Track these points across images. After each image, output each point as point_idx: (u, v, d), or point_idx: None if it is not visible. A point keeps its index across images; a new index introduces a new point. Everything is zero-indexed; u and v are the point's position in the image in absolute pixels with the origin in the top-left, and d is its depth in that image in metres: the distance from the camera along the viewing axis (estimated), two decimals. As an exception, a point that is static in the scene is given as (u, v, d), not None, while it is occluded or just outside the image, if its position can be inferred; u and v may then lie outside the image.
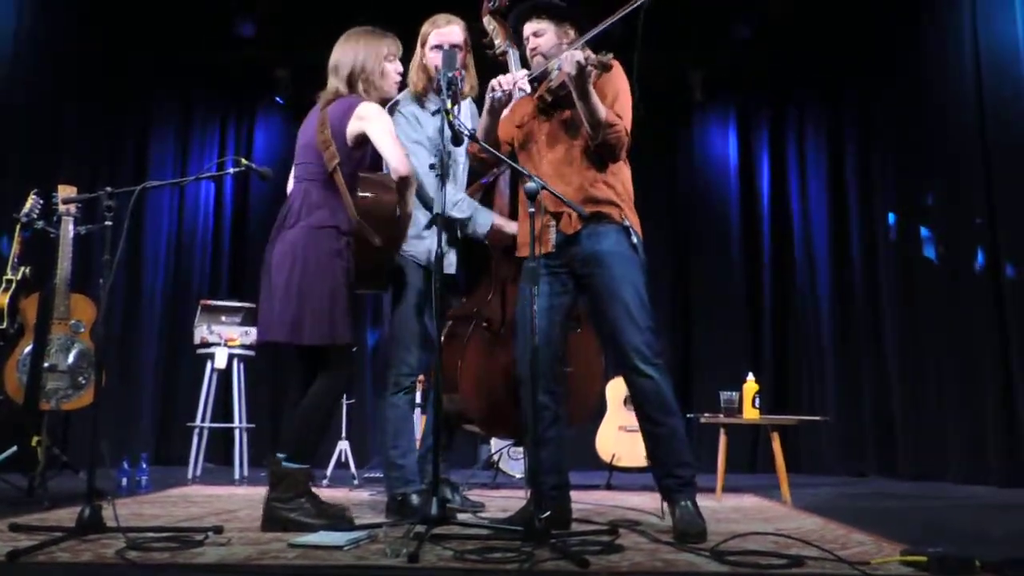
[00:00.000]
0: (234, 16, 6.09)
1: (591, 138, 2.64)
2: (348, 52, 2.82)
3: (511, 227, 3.18)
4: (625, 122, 2.67)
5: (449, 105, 2.52)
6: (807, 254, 6.38)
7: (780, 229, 6.58)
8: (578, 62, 2.44)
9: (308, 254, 2.64)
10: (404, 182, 2.69)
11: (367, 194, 2.69)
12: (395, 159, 2.67)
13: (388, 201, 2.71)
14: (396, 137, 2.77)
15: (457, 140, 2.53)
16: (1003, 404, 4.44)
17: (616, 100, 2.68)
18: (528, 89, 2.89)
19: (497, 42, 3.40)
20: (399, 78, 2.91)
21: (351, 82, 2.79)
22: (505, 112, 2.93)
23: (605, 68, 2.46)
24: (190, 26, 6.08)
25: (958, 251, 4.92)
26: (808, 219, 6.42)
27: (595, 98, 2.55)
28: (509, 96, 2.81)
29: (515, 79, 2.79)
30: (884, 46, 5.74)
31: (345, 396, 4.40)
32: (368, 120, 2.70)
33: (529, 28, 2.81)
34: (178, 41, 6.18)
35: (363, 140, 2.73)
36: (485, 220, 3.21)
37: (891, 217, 5.66)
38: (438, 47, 3.10)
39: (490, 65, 3.32)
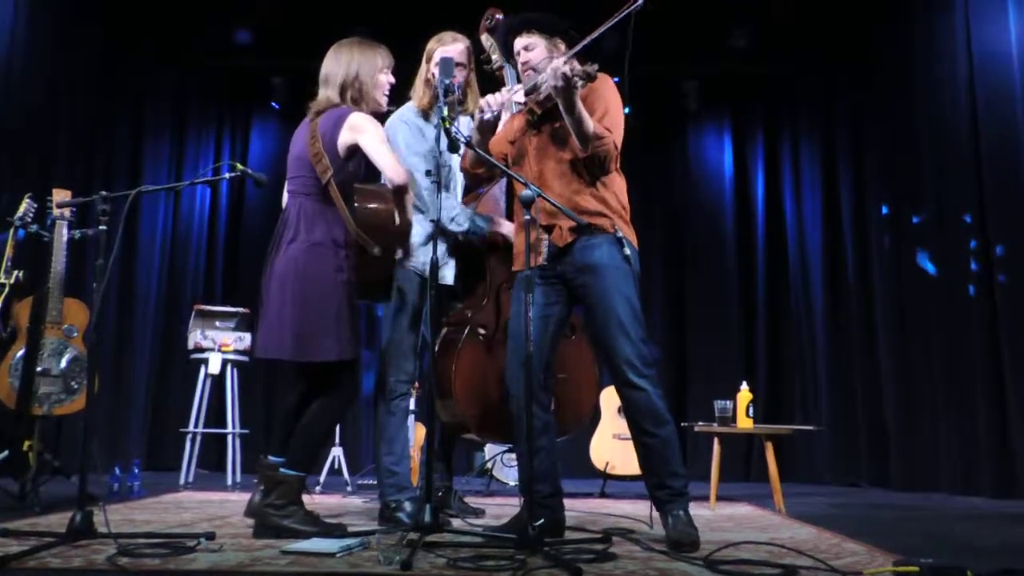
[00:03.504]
0: (231, 22, 6.10)
1: (580, 150, 2.65)
2: (341, 62, 2.78)
3: (506, 226, 3.26)
4: (615, 135, 2.68)
5: (446, 112, 2.53)
6: (801, 263, 6.40)
7: (774, 238, 6.60)
8: (564, 74, 2.44)
9: (309, 271, 2.62)
10: (400, 191, 2.68)
11: (364, 205, 2.68)
12: (390, 168, 2.65)
13: (385, 211, 2.71)
14: (389, 145, 2.76)
15: (454, 147, 2.54)
16: (996, 415, 4.45)
17: (606, 113, 2.69)
18: (522, 102, 2.91)
19: (494, 58, 3.46)
20: (387, 89, 2.90)
21: (343, 92, 2.77)
22: (499, 129, 2.95)
23: (590, 78, 2.47)
24: (187, 31, 6.09)
25: (951, 262, 4.93)
26: (802, 228, 6.44)
27: (583, 111, 2.56)
28: (497, 116, 2.83)
29: (504, 98, 2.81)
30: (878, 56, 5.77)
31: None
32: (360, 131, 2.67)
33: (519, 43, 2.83)
34: (175, 45, 6.19)
35: (355, 150, 2.70)
36: (483, 227, 3.25)
37: (885, 227, 5.67)
38: None
39: (489, 80, 3.36)
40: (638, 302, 2.66)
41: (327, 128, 2.70)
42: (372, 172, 2.82)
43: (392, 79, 2.89)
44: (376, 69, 2.81)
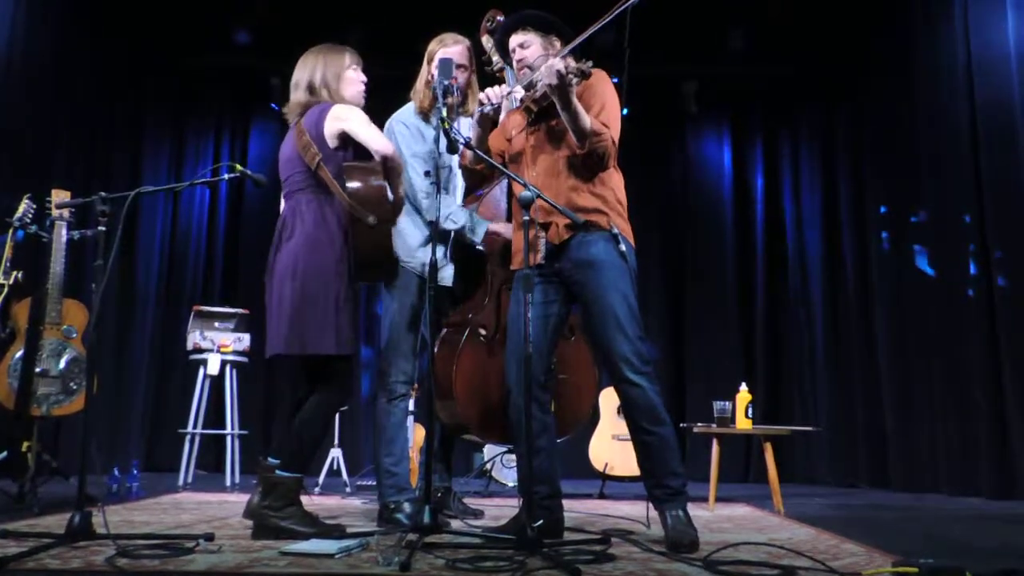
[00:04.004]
0: (231, 22, 6.11)
1: (577, 147, 2.65)
2: (307, 67, 2.86)
3: (506, 229, 3.24)
4: (612, 131, 2.68)
5: (445, 113, 2.53)
6: (800, 264, 6.40)
7: (774, 239, 6.60)
8: (558, 71, 2.45)
9: (309, 267, 2.66)
10: (388, 161, 2.71)
11: (355, 183, 2.69)
12: (375, 142, 2.71)
13: (376, 185, 2.72)
14: (372, 124, 2.79)
15: (453, 148, 2.55)
16: (994, 415, 4.45)
17: (603, 109, 2.69)
18: (519, 100, 2.91)
19: (495, 59, 3.46)
20: (362, 87, 2.92)
21: (312, 92, 2.83)
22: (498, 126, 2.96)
23: (584, 75, 2.48)
24: (186, 32, 6.09)
25: (950, 263, 4.93)
26: (801, 229, 6.45)
27: (579, 107, 2.56)
28: (497, 109, 2.83)
29: (503, 92, 2.81)
30: (878, 57, 5.77)
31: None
32: (344, 119, 2.74)
33: (515, 40, 2.83)
34: (174, 47, 6.19)
35: (344, 139, 2.76)
36: (480, 229, 3.24)
37: (884, 228, 5.67)
38: None
39: (490, 82, 3.36)
40: (635, 299, 2.66)
41: (312, 123, 2.77)
42: (362, 159, 2.83)
43: (363, 76, 2.93)
44: (343, 67, 2.86)
